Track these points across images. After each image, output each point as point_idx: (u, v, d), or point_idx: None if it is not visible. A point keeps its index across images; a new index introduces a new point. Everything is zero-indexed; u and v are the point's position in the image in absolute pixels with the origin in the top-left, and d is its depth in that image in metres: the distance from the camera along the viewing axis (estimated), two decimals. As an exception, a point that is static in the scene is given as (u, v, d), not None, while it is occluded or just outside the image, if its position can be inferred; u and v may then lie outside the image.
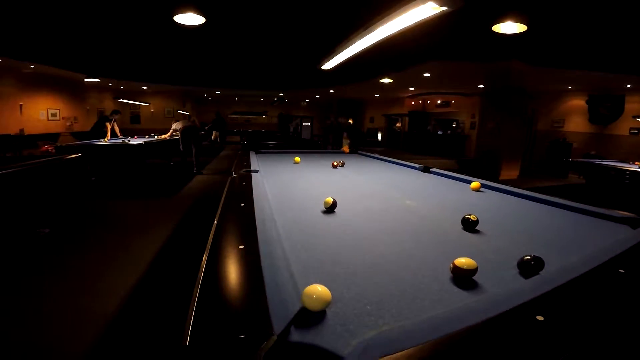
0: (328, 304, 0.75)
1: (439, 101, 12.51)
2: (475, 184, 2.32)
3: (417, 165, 3.21)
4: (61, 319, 2.08)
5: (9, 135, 7.70)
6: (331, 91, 12.40)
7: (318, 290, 0.74)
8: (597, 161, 6.14)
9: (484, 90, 8.65)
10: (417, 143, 13.09)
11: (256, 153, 4.05)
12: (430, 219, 1.60)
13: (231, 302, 0.75)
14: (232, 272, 0.88)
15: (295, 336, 0.65)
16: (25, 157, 6.95)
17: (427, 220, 1.58)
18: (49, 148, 7.95)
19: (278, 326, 0.65)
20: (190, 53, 6.35)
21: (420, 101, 13.27)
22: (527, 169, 9.17)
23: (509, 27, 3.78)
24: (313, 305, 0.73)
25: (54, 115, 9.59)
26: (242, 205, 1.43)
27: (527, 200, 2.02)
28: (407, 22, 2.01)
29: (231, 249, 0.98)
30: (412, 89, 11.07)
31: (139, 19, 4.25)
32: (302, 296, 0.74)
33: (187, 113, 11.00)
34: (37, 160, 3.64)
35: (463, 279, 0.95)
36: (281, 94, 14.38)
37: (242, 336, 0.61)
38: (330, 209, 1.58)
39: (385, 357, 0.57)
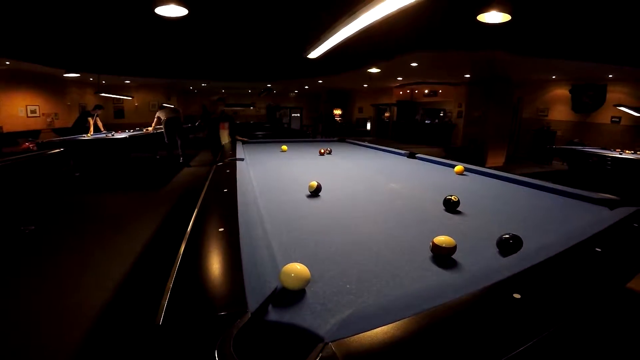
0: (307, 282, 0.74)
1: (426, 91, 12.57)
2: (459, 167, 2.35)
3: (402, 152, 3.25)
4: (49, 316, 2.05)
5: (-15, 133, 7.44)
6: (320, 82, 12.30)
7: (297, 269, 0.73)
8: (580, 148, 6.28)
9: (470, 80, 8.72)
10: (405, 132, 13.15)
11: (243, 144, 4.01)
12: (413, 200, 1.63)
13: (207, 282, 0.74)
14: (210, 253, 0.87)
15: (273, 315, 0.65)
16: (5, 154, 6.74)
17: (410, 202, 1.61)
18: (30, 145, 7.71)
19: (254, 304, 0.64)
20: (173, 45, 6.20)
21: (408, 91, 13.29)
22: (512, 156, 9.32)
23: (494, 16, 3.80)
24: (291, 284, 0.72)
25: (33, 111, 9.29)
26: (225, 190, 1.43)
27: (508, 183, 2.06)
28: (392, 7, 1.99)
29: (211, 232, 0.98)
30: (399, 78, 11.07)
31: (119, 11, 4.11)
32: (280, 274, 0.73)
33: (173, 106, 10.77)
34: (19, 156, 3.53)
35: (443, 257, 0.96)
36: (269, 85, 14.21)
37: (215, 314, 0.60)
38: (315, 192, 1.59)
39: (363, 334, 0.58)
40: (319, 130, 14.11)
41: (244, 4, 3.95)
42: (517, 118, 9.77)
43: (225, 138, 5.60)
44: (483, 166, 2.55)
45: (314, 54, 3.55)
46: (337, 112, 16.86)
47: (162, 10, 3.65)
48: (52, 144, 5.61)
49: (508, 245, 1.02)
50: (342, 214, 1.37)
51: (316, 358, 0.50)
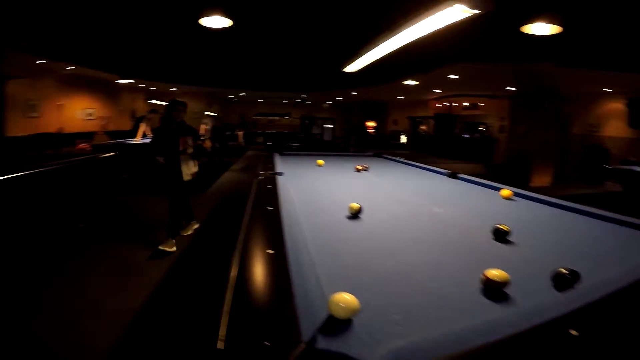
0: (356, 312, 0.74)
1: (466, 103, 12.13)
2: (506, 191, 2.23)
3: (443, 171, 3.12)
4: (89, 313, 2.18)
5: (49, 134, 8.19)
6: (353, 93, 12.33)
7: (346, 299, 0.73)
8: (638, 168, 5.77)
9: (514, 93, 8.34)
10: (443, 147, 12.72)
11: (280, 155, 4.09)
12: (459, 228, 1.56)
13: (262, 307, 0.77)
14: (263, 277, 0.90)
15: (322, 343, 0.65)
16: (63, 154, 7.36)
17: (456, 229, 1.55)
18: (86, 146, 8.42)
19: (306, 333, 0.65)
20: (216, 55, 6.52)
21: (447, 103, 12.92)
22: (561, 175, 8.73)
23: (540, 28, 3.64)
24: (341, 314, 0.73)
25: (90, 115, 10.13)
26: (270, 208, 1.46)
27: (561, 210, 1.92)
28: (435, 25, 1.98)
29: (260, 254, 1.01)
30: (438, 91, 10.84)
31: (168, 22, 4.41)
32: (330, 303, 0.74)
33: (215, 114, 11.24)
34: (78, 158, 3.85)
35: (493, 290, 0.92)
36: (303, 96, 14.47)
37: (271, 343, 0.62)
38: (356, 214, 1.58)
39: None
40: (352, 143, 14.06)
41: (286, 18, 4.08)
42: (566, 134, 9.17)
43: (190, 167, 3.35)
44: (527, 185, 2.42)
45: (351, 68, 3.58)
46: (371, 124, 16.69)
47: (208, 21, 3.85)
48: (105, 147, 6.10)
49: (564, 280, 0.96)
50: (385, 238, 1.36)
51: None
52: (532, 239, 1.42)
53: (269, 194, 1.79)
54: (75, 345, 1.87)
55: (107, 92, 10.79)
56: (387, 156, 4.44)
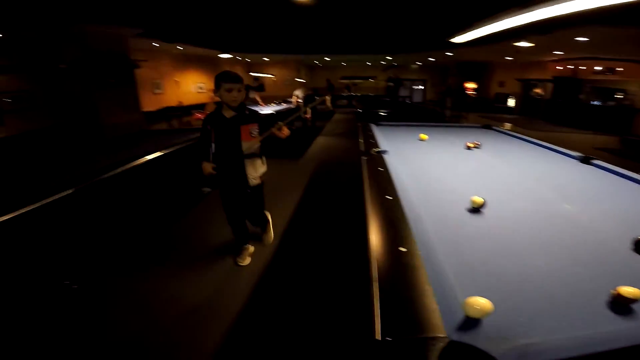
0: (488, 314, 0.85)
1: (598, 67, 9.98)
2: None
3: (573, 154, 2.56)
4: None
5: (171, 107, 9.68)
6: (449, 54, 11.23)
7: (482, 302, 0.85)
8: None
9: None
10: (562, 113, 10.88)
11: (376, 125, 3.96)
12: (593, 232, 1.37)
13: (408, 304, 0.87)
14: (403, 275, 0.98)
15: (455, 335, 0.79)
16: (184, 124, 8.66)
17: (589, 232, 1.36)
18: (201, 116, 9.75)
19: (449, 330, 0.79)
20: (303, 24, 6.56)
21: (571, 66, 10.81)
22: None
23: None
24: (475, 314, 0.85)
25: (200, 88, 11.53)
26: (389, 198, 1.52)
27: None
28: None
29: (394, 251, 1.09)
30: (559, 53, 9.14)
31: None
32: (466, 305, 0.86)
33: (304, 81, 11.69)
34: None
35: (622, 305, 0.92)
36: (389, 58, 13.73)
37: (423, 336, 0.75)
38: (478, 208, 1.50)
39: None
40: (447, 106, 13.09)
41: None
42: None
43: (259, 167, 2.49)
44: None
45: (460, 39, 3.30)
46: (470, 85, 15.03)
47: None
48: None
49: None
50: (510, 239, 1.29)
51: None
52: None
53: (383, 179, 1.80)
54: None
55: (212, 66, 12.03)
56: (497, 128, 3.88)
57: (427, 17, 4.91)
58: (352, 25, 6.53)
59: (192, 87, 11.18)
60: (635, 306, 0.92)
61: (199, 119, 9.61)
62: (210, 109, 11.13)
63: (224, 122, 2.22)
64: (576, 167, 2.35)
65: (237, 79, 2.16)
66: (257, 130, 2.29)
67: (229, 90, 2.14)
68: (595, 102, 10.30)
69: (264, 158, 2.46)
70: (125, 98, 6.38)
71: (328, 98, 13.38)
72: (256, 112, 2.39)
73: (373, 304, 0.85)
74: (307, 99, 9.12)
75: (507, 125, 10.09)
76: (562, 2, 1.68)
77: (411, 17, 5.26)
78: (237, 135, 2.22)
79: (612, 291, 0.95)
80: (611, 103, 9.90)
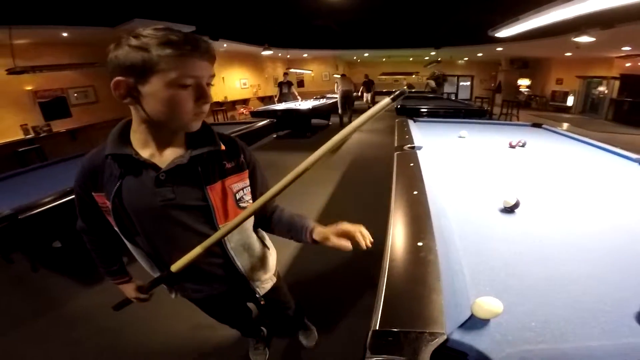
0: (496, 315, 0.80)
1: None
2: None
3: (634, 157, 2.22)
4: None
5: (219, 102, 10.23)
6: (499, 49, 10.62)
7: (490, 302, 0.80)
8: None
9: None
10: (630, 113, 9.92)
11: (413, 121, 3.88)
12: None
13: (412, 297, 0.83)
14: (414, 268, 0.95)
15: (456, 335, 0.74)
16: (229, 118, 9.11)
17: (638, 242, 1.21)
18: (244, 111, 10.20)
19: (450, 328, 0.74)
20: (341, 18, 6.56)
21: None
22: None
23: None
24: (481, 314, 0.80)
25: (244, 84, 12.03)
26: (415, 193, 1.50)
27: None
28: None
29: (411, 244, 1.07)
30: (627, 48, 8.32)
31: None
32: (474, 305, 0.81)
33: (346, 75, 11.72)
34: (248, 127, 4.80)
35: None
36: (433, 53, 13.27)
37: (418, 331, 0.71)
38: (511, 208, 1.42)
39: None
40: (497, 103, 12.43)
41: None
42: None
43: (266, 260, 1.20)
44: None
45: (504, 33, 3.14)
46: (524, 81, 14.09)
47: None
48: (258, 113, 7.40)
49: None
50: (539, 241, 1.19)
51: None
52: None
53: (413, 174, 1.77)
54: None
55: (254, 63, 12.50)
56: (549, 128, 3.55)
57: (472, 10, 4.75)
58: (394, 19, 6.44)
59: (236, 82, 11.71)
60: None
61: (242, 114, 10.08)
62: (254, 104, 11.64)
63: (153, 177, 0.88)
64: (636, 170, 2.05)
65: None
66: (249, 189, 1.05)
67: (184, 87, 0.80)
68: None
69: (264, 235, 1.23)
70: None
71: (368, 96, 13.20)
72: (232, 138, 1.05)
73: (377, 295, 0.84)
74: (346, 100, 9.06)
75: (564, 125, 9.35)
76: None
77: (457, 9, 5.09)
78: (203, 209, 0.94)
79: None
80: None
